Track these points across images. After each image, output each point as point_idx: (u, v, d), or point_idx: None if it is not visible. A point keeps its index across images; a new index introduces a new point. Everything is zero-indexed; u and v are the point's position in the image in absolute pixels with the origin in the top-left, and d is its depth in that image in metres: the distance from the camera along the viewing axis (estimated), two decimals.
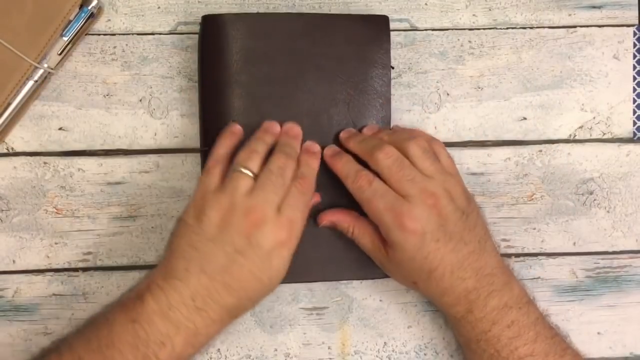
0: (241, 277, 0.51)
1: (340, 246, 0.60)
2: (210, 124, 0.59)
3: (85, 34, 0.61)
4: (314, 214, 0.59)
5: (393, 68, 0.62)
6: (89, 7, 0.60)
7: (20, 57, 0.59)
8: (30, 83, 0.59)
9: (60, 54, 0.60)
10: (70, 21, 0.60)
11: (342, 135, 0.59)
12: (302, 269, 0.59)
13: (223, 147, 0.56)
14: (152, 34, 0.62)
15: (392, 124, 0.62)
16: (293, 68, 0.59)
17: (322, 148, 0.59)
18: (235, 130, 0.57)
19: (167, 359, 0.51)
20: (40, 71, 0.59)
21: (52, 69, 0.60)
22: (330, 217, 0.59)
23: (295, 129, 0.58)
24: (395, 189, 0.54)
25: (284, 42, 0.59)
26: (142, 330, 0.50)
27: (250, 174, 0.53)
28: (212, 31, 0.59)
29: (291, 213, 0.53)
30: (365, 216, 0.57)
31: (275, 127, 0.58)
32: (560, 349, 0.55)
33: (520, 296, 0.56)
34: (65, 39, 0.60)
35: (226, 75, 0.59)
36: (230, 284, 0.51)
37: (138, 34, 0.62)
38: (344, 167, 0.57)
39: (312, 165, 0.57)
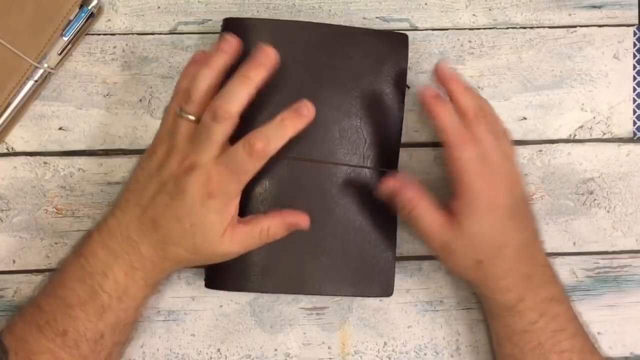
0: (165, 215, 0.53)
1: (340, 261, 0.59)
2: None
3: (85, 34, 0.61)
4: (314, 220, 0.59)
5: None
6: (89, 7, 0.60)
7: (20, 57, 0.59)
8: (30, 83, 0.59)
9: (60, 53, 0.60)
10: (70, 21, 0.60)
11: (440, 68, 0.56)
12: (299, 281, 0.59)
13: (186, 78, 0.56)
14: (152, 33, 0.62)
15: None
16: (309, 77, 0.59)
17: (328, 158, 0.59)
18: (198, 57, 0.57)
19: (113, 291, 0.53)
20: (40, 71, 0.59)
21: (52, 69, 0.60)
22: (395, 184, 0.55)
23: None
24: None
25: (302, 51, 0.59)
26: (87, 263, 0.53)
27: (192, 117, 0.53)
28: (232, 33, 0.58)
29: (223, 170, 0.52)
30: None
31: (231, 42, 0.54)
32: (591, 347, 0.57)
33: (563, 292, 0.58)
34: (65, 38, 0.60)
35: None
36: (156, 220, 0.53)
37: (138, 34, 0.62)
38: (447, 119, 0.54)
39: (287, 130, 0.52)
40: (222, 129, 0.52)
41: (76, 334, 0.52)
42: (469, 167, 0.53)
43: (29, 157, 0.62)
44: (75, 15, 0.60)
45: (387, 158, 0.60)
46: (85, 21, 0.60)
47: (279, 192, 0.58)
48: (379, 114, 0.60)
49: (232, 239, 0.54)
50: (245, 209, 0.58)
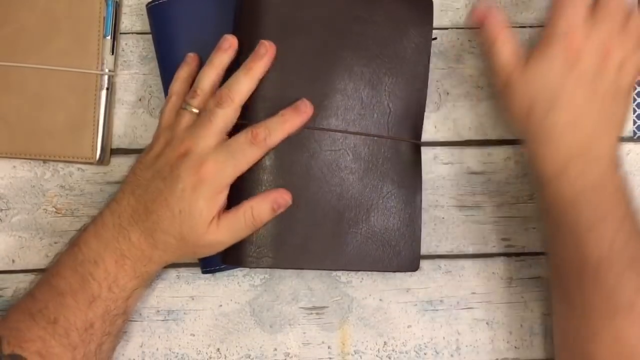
0: (156, 200, 0.54)
1: (364, 234, 0.57)
2: None
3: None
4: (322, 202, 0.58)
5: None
6: None
7: (84, 73, 0.60)
8: (104, 92, 0.60)
9: (113, 53, 0.61)
10: (104, 19, 0.60)
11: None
12: (322, 255, 0.57)
13: (178, 81, 0.58)
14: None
15: None
16: (331, 43, 0.57)
17: (350, 128, 0.57)
18: (189, 59, 0.58)
19: (103, 280, 0.54)
20: (106, 77, 0.60)
21: (112, 71, 0.61)
22: (480, 14, 0.57)
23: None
24: None
25: (325, 16, 0.57)
26: (79, 251, 0.55)
27: (195, 110, 0.55)
28: None
29: (221, 157, 0.53)
30: None
31: (230, 40, 0.56)
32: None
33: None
34: (108, 38, 0.60)
35: (258, 42, 0.55)
36: (148, 206, 0.54)
37: (138, 34, 0.62)
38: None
39: (286, 125, 0.55)
40: (224, 114, 0.54)
41: (66, 322, 0.53)
42: (565, 2, 0.55)
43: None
44: (106, 11, 0.60)
45: (411, 128, 0.59)
46: (115, 13, 0.61)
47: (299, 164, 0.56)
48: (402, 80, 0.58)
49: (218, 226, 0.54)
50: (265, 181, 0.56)
